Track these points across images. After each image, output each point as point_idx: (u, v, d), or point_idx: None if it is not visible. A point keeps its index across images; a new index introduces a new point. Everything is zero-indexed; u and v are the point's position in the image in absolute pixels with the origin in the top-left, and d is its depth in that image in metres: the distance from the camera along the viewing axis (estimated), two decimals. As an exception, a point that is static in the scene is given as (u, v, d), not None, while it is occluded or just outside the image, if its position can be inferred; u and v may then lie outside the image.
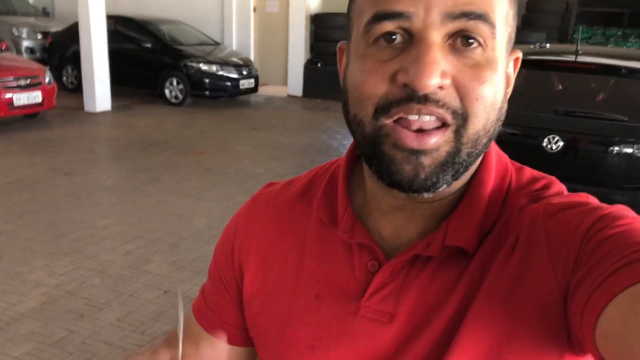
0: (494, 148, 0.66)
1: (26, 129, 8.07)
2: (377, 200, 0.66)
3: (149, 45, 10.49)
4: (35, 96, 7.96)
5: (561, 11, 11.33)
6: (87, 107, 9.48)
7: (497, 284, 0.58)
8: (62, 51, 11.16)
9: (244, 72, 10.62)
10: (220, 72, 10.28)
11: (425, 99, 0.54)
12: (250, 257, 0.75)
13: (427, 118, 0.55)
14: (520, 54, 0.65)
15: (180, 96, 10.27)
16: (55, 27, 12.85)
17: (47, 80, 8.21)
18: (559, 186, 0.65)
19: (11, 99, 7.65)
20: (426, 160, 0.56)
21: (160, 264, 4.02)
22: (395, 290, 0.63)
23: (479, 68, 0.55)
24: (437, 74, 0.53)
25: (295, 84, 12.06)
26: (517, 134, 4.04)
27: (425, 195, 0.58)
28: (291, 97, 11.89)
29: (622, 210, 0.56)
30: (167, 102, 10.31)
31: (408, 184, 0.57)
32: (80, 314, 3.34)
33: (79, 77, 10.37)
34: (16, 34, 12.16)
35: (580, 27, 9.19)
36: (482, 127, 0.57)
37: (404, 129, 0.55)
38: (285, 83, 12.37)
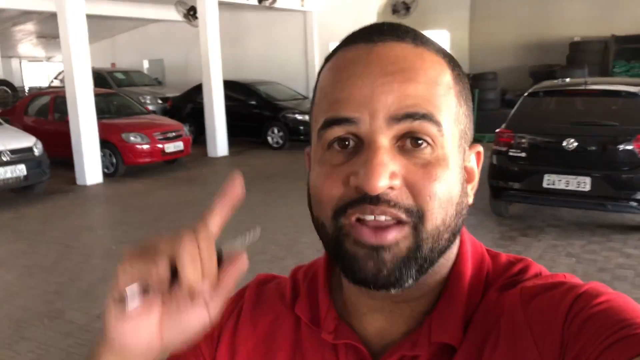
0: (469, 238, 0.67)
1: (171, 170, 10.49)
2: (354, 302, 0.66)
3: (253, 102, 12.95)
4: (179, 145, 10.41)
5: (600, 49, 13.09)
6: (210, 153, 11.93)
7: None
8: (180, 111, 13.78)
9: (331, 119, 12.86)
10: (312, 120, 12.56)
11: (377, 200, 0.55)
12: (238, 345, 0.72)
13: (382, 218, 0.56)
14: (481, 149, 0.67)
15: (280, 141, 12.59)
16: (169, 93, 15.63)
17: (186, 133, 10.67)
18: (535, 268, 0.64)
19: (163, 147, 10.11)
20: (387, 256, 0.56)
21: (308, 245, 6.06)
22: None
23: (429, 166, 0.57)
24: (386, 175, 0.54)
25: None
26: (546, 139, 5.93)
27: (392, 291, 0.58)
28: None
29: (598, 287, 0.56)
30: (270, 147, 12.64)
31: (372, 281, 0.57)
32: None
33: (195, 131, 12.88)
34: (142, 100, 14.91)
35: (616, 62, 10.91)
36: (442, 223, 0.58)
37: (363, 226, 0.56)
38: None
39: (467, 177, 0.63)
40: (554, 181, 5.79)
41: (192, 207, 7.68)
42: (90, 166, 9.33)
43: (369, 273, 0.57)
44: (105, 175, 9.65)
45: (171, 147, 10.27)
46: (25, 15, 15.13)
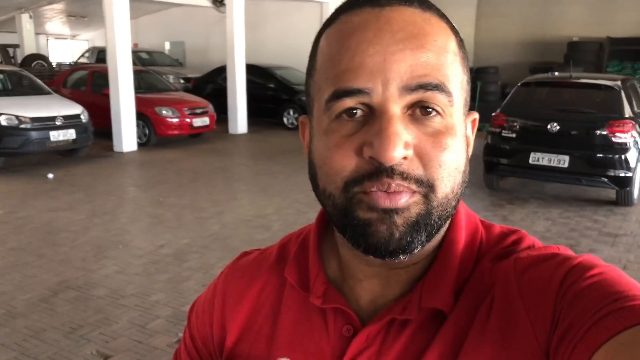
0: (463, 208, 0.68)
1: (197, 143, 11.51)
2: (351, 268, 0.66)
3: (271, 85, 13.95)
4: (205, 121, 11.42)
5: (596, 50, 14.06)
6: (231, 130, 12.95)
7: (480, 346, 0.57)
8: (202, 91, 14.77)
9: (343, 104, 13.85)
10: (326, 104, 13.55)
11: (392, 171, 0.55)
12: (229, 328, 0.73)
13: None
14: (476, 116, 0.67)
15: (295, 122, 13.58)
16: (190, 74, 16.63)
17: (211, 109, 11.68)
18: (529, 240, 0.65)
19: (191, 121, 11.12)
20: (399, 219, 0.56)
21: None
22: (372, 356, 0.62)
23: (440, 135, 0.57)
24: (401, 145, 0.54)
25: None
26: (534, 123, 6.94)
27: (402, 257, 0.58)
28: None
29: (592, 259, 0.57)
30: (286, 127, 13.65)
31: (384, 246, 0.57)
32: (296, 215, 6.42)
33: (216, 110, 13.88)
34: (165, 80, 15.91)
35: (609, 62, 11.88)
36: (450, 191, 0.58)
37: (376, 191, 0.56)
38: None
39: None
40: (538, 158, 6.82)
41: (221, 173, 8.72)
42: (127, 135, 10.35)
43: (381, 238, 0.57)
44: (137, 144, 10.67)
45: (199, 122, 11.28)
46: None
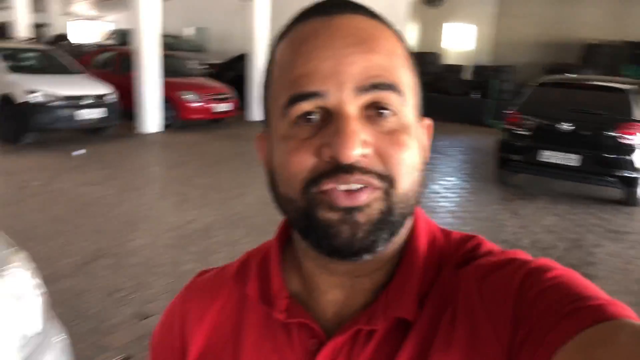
0: (422, 215, 0.68)
1: (218, 128, 11.85)
2: (314, 280, 0.66)
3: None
4: (227, 107, 11.75)
5: (612, 54, 14.23)
6: (248, 117, 13.27)
7: (446, 354, 0.58)
8: (224, 78, 15.08)
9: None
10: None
11: (351, 168, 0.55)
12: (190, 350, 0.71)
13: (355, 186, 0.56)
14: (430, 122, 0.68)
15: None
16: (212, 60, 16.96)
17: (233, 96, 12.00)
18: (488, 245, 0.66)
19: (214, 106, 11.45)
20: (361, 218, 0.56)
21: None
22: None
23: (396, 134, 0.58)
24: (359, 143, 0.55)
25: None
26: (546, 122, 7.21)
27: (366, 256, 0.58)
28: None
29: (548, 262, 0.58)
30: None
31: (347, 246, 0.57)
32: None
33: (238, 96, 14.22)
34: (188, 65, 16.24)
35: (622, 66, 12.07)
36: (410, 188, 0.59)
37: (335, 191, 0.56)
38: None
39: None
40: (549, 156, 7.10)
41: (242, 157, 9.07)
42: (152, 117, 10.71)
43: (344, 238, 0.57)
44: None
45: (220, 107, 11.62)
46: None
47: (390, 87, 0.57)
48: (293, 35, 0.61)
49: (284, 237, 0.72)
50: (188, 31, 20.72)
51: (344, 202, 0.56)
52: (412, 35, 16.62)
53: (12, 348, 1.77)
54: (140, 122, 10.72)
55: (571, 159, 6.96)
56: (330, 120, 0.56)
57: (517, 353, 0.52)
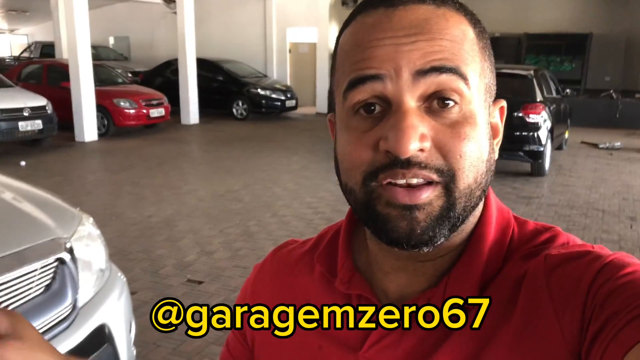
0: (495, 202, 0.67)
1: (153, 133, 12.16)
2: (379, 261, 0.67)
3: (220, 78, 14.70)
4: (161, 111, 12.09)
5: (515, 45, 15.62)
6: (184, 121, 13.64)
7: (502, 337, 0.57)
8: (150, 85, 15.30)
9: (288, 95, 14.82)
10: (273, 95, 14.47)
11: (408, 163, 0.54)
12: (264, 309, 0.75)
13: (414, 181, 0.55)
14: (504, 103, 0.66)
15: (244, 113, 14.43)
16: (137, 68, 17.12)
17: (166, 101, 12.34)
18: (563, 237, 0.63)
19: (148, 112, 11.76)
20: (420, 215, 0.56)
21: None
22: (393, 343, 0.63)
23: (458, 125, 0.56)
24: (416, 138, 0.54)
25: (322, 105, 16.25)
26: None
27: (425, 249, 0.58)
28: (319, 114, 16.04)
29: (624, 257, 0.56)
30: (235, 118, 14.45)
31: (405, 240, 0.57)
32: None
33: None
34: (113, 74, 16.34)
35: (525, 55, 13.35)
36: (473, 181, 0.57)
37: (395, 187, 0.56)
38: (314, 104, 16.58)
39: (492, 133, 0.63)
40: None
41: (184, 158, 9.53)
42: (88, 126, 10.90)
43: (402, 233, 0.56)
44: (97, 134, 11.22)
45: (155, 112, 11.95)
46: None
47: (452, 70, 0.56)
48: (356, 25, 0.61)
49: (355, 217, 0.72)
50: (108, 41, 20.66)
51: (403, 199, 0.56)
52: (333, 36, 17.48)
53: (92, 278, 2.29)
54: (78, 131, 10.88)
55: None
56: (389, 113, 0.56)
57: (588, 348, 0.51)
